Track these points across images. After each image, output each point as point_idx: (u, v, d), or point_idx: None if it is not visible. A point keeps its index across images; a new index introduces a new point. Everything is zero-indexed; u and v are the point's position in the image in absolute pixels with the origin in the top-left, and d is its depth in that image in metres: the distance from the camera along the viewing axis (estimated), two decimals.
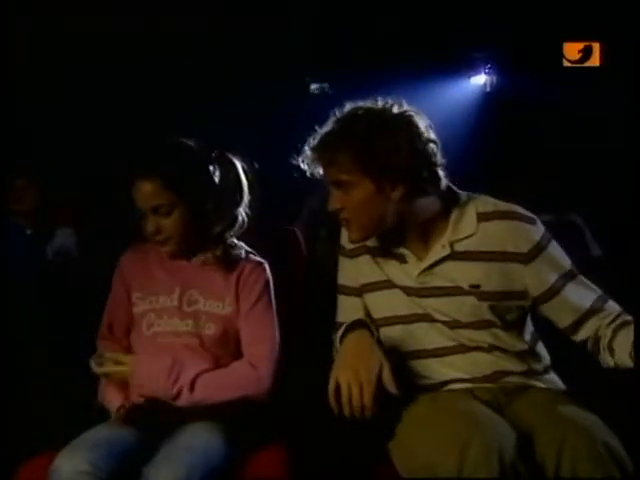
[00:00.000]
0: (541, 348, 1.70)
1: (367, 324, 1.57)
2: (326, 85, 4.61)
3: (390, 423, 1.55)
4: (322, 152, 1.57)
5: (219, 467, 1.54)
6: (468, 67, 4.71)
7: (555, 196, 3.22)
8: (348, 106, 1.59)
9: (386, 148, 1.50)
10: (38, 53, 3.54)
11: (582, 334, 1.59)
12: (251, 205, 1.84)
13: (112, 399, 1.72)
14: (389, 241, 1.64)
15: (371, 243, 1.66)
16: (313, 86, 4.61)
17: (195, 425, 1.63)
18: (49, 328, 2.41)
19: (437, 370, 1.61)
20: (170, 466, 1.47)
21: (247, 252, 1.85)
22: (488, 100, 4.69)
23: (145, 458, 1.53)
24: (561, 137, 4.02)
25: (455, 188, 1.64)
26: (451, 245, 1.59)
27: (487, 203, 1.63)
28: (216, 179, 1.78)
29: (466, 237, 1.59)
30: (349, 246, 1.72)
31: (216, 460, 1.55)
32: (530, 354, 1.65)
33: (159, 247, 1.79)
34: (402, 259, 1.63)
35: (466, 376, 1.59)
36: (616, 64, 2.85)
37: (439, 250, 1.60)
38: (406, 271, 1.63)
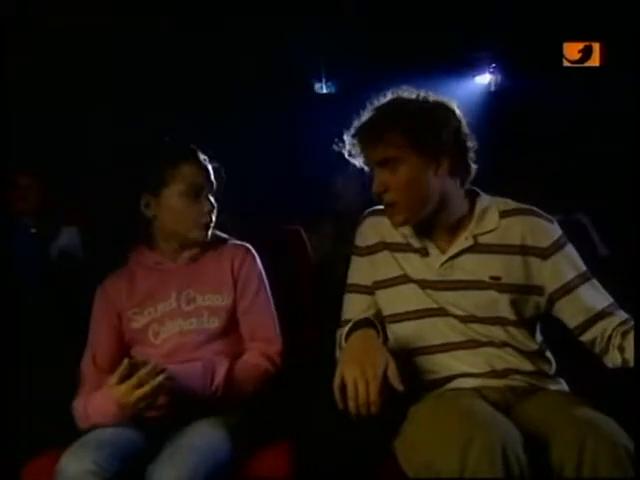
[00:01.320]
0: (549, 354, 1.70)
1: (373, 323, 1.58)
2: (330, 85, 4.60)
3: (395, 420, 1.55)
4: (370, 132, 1.61)
5: (223, 466, 1.55)
6: (472, 67, 4.69)
7: (561, 196, 3.21)
8: (387, 96, 1.65)
9: (436, 122, 1.57)
10: (40, 52, 3.54)
11: (591, 333, 1.60)
12: (220, 211, 1.87)
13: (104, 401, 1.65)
14: (415, 236, 1.66)
15: (391, 239, 1.68)
16: (317, 86, 4.60)
17: (199, 424, 1.64)
18: (52, 327, 2.41)
19: (445, 364, 1.61)
20: (174, 465, 1.48)
21: (225, 238, 1.91)
22: (493, 99, 4.67)
23: (150, 457, 1.54)
24: (565, 136, 4.01)
25: (478, 190, 1.69)
26: (474, 238, 1.63)
27: (508, 203, 1.68)
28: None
29: (489, 231, 1.63)
30: (364, 244, 1.74)
31: (220, 459, 1.56)
32: (540, 356, 1.66)
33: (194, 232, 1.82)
34: (424, 252, 1.65)
35: (475, 370, 1.59)
36: (616, 64, 2.85)
37: (462, 242, 1.63)
38: (427, 263, 1.65)
